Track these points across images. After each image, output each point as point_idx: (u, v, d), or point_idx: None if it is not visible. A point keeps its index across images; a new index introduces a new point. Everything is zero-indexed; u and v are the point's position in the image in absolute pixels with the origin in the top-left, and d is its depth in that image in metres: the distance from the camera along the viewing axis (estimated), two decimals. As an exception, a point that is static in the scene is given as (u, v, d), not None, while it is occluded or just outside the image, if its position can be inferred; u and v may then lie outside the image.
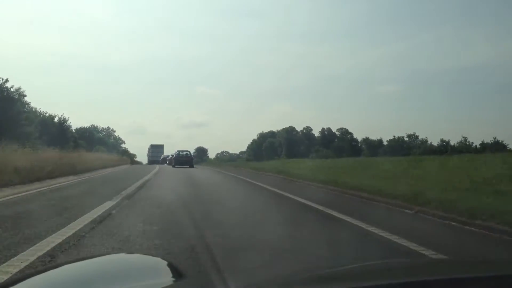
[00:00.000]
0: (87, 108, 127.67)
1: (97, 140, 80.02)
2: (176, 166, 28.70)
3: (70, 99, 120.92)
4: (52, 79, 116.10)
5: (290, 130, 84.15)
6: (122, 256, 1.72)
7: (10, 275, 2.90)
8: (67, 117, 53.15)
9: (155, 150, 56.57)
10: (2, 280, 2.64)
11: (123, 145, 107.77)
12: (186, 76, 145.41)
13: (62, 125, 46.20)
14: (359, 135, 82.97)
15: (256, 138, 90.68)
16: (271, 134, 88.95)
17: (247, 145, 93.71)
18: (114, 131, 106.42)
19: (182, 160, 29.87)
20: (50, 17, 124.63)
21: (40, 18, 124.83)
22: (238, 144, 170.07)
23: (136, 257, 1.67)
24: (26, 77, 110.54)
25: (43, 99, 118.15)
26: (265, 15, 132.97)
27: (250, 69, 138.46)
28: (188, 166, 28.69)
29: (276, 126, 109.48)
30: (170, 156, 36.20)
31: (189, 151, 32.76)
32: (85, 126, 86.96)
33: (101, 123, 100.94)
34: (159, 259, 1.81)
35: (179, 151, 32.27)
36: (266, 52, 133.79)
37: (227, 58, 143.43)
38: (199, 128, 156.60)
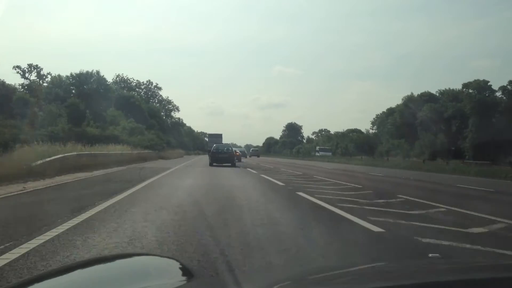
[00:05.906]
0: (167, 92, 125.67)
1: (121, 100, 50.63)
2: (214, 164, 25.34)
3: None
4: (132, 64, 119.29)
5: (482, 87, 48.44)
6: (133, 257, 1.73)
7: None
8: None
9: (212, 141, 42.79)
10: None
11: (176, 114, 76.45)
12: (263, 57, 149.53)
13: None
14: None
15: (396, 105, 59.54)
16: (430, 97, 54.95)
17: (373, 118, 66.87)
18: (160, 89, 73.61)
19: (221, 157, 26.24)
20: (132, 4, 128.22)
21: (124, 6, 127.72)
22: (332, 121, 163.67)
23: (147, 258, 1.67)
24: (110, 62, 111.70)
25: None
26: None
27: (325, 48, 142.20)
28: (229, 165, 25.63)
29: (360, 103, 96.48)
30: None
31: (230, 146, 29.29)
32: (90, 71, 50.10)
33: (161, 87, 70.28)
34: (170, 259, 1.82)
35: (217, 145, 28.50)
36: (341, 30, 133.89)
37: (302, 38, 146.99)
38: (277, 109, 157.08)
